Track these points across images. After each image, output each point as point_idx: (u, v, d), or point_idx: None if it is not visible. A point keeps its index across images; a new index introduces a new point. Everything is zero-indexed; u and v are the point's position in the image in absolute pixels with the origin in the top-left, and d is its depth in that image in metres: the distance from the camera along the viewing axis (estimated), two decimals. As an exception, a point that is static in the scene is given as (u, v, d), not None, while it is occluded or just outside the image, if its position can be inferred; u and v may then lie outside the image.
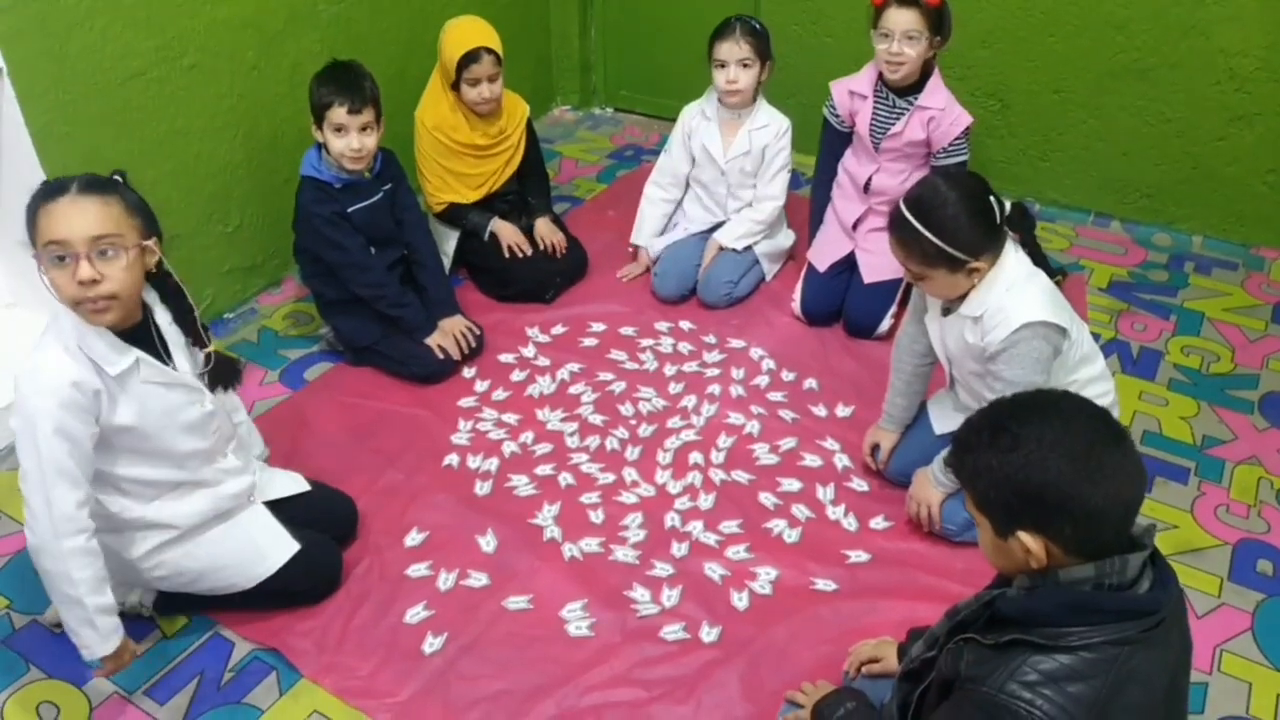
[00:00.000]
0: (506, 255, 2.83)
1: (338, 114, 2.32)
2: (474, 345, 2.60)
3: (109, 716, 1.77)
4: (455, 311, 2.62)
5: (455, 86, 2.69)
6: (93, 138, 2.32)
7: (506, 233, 2.85)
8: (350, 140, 2.35)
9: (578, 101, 4.08)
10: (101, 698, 1.79)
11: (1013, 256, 1.83)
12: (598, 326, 2.76)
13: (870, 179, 2.66)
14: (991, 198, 1.79)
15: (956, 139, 2.53)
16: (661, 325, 2.77)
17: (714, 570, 2.03)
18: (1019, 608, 1.15)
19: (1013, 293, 1.80)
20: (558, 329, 2.75)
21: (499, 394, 2.51)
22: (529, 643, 1.89)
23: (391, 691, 1.80)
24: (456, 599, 1.97)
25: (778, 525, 2.13)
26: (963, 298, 1.86)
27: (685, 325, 2.76)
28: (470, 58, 2.62)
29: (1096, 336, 2.60)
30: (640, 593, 1.97)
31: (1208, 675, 1.84)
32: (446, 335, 2.55)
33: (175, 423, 1.68)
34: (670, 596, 1.97)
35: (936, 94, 2.53)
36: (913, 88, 2.54)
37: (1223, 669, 1.85)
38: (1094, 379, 1.95)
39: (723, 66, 2.67)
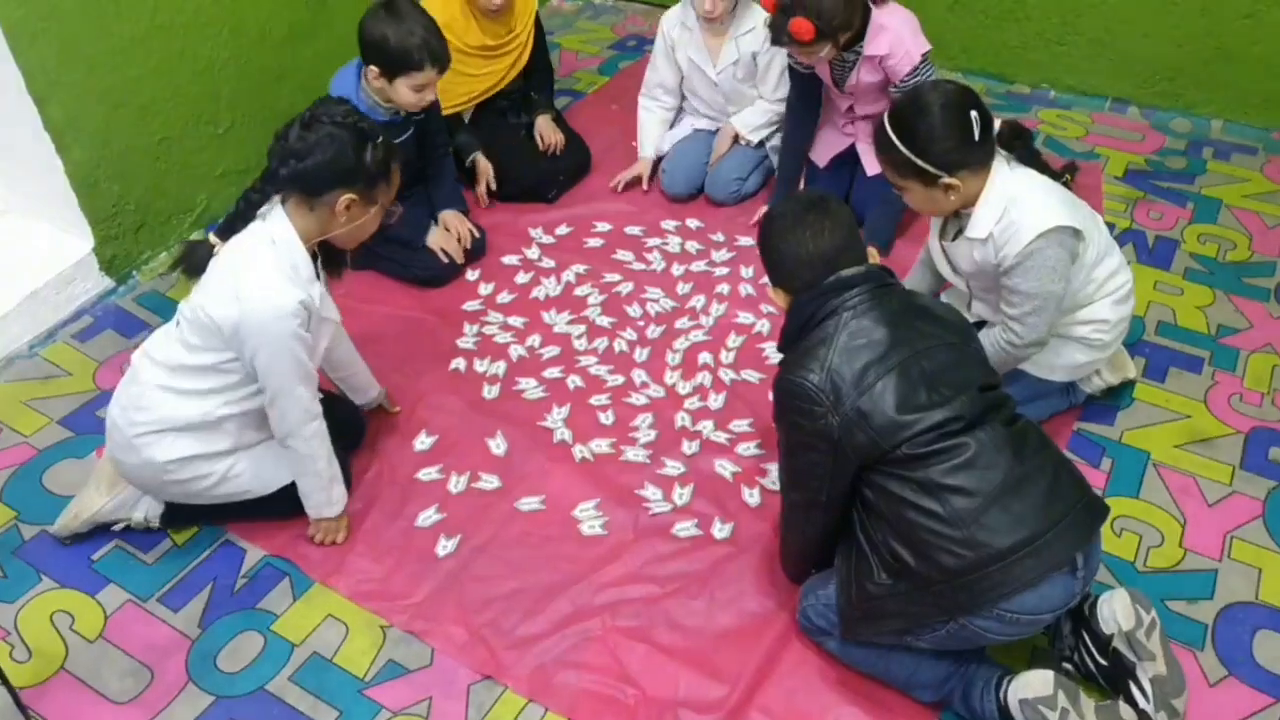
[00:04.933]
0: (489, 172, 2.72)
1: (428, 75, 2.19)
2: (475, 242, 2.54)
3: (124, 624, 1.78)
4: (460, 206, 2.56)
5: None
6: (69, 33, 2.21)
7: (482, 170, 2.72)
8: (426, 96, 2.23)
9: (575, -9, 3.91)
10: (115, 606, 1.81)
11: (1004, 173, 1.78)
12: (603, 226, 2.69)
13: (851, 107, 2.55)
14: (974, 112, 1.72)
15: (917, 67, 2.31)
16: (669, 224, 2.70)
17: (725, 467, 2.02)
18: (783, 334, 1.62)
19: (1018, 206, 1.76)
20: (562, 229, 2.68)
21: (504, 297, 2.47)
22: (543, 542, 1.89)
23: (406, 593, 1.81)
24: (468, 501, 1.97)
25: (788, 423, 2.12)
26: (961, 221, 1.83)
27: (693, 224, 2.70)
28: None
29: (1112, 226, 2.56)
30: (652, 491, 1.97)
31: (1217, 562, 1.85)
32: (449, 235, 2.50)
33: (320, 349, 1.80)
34: (682, 494, 1.97)
35: (879, 39, 2.29)
36: (855, 37, 2.30)
37: (1233, 555, 1.86)
38: (1114, 272, 1.92)
39: None
